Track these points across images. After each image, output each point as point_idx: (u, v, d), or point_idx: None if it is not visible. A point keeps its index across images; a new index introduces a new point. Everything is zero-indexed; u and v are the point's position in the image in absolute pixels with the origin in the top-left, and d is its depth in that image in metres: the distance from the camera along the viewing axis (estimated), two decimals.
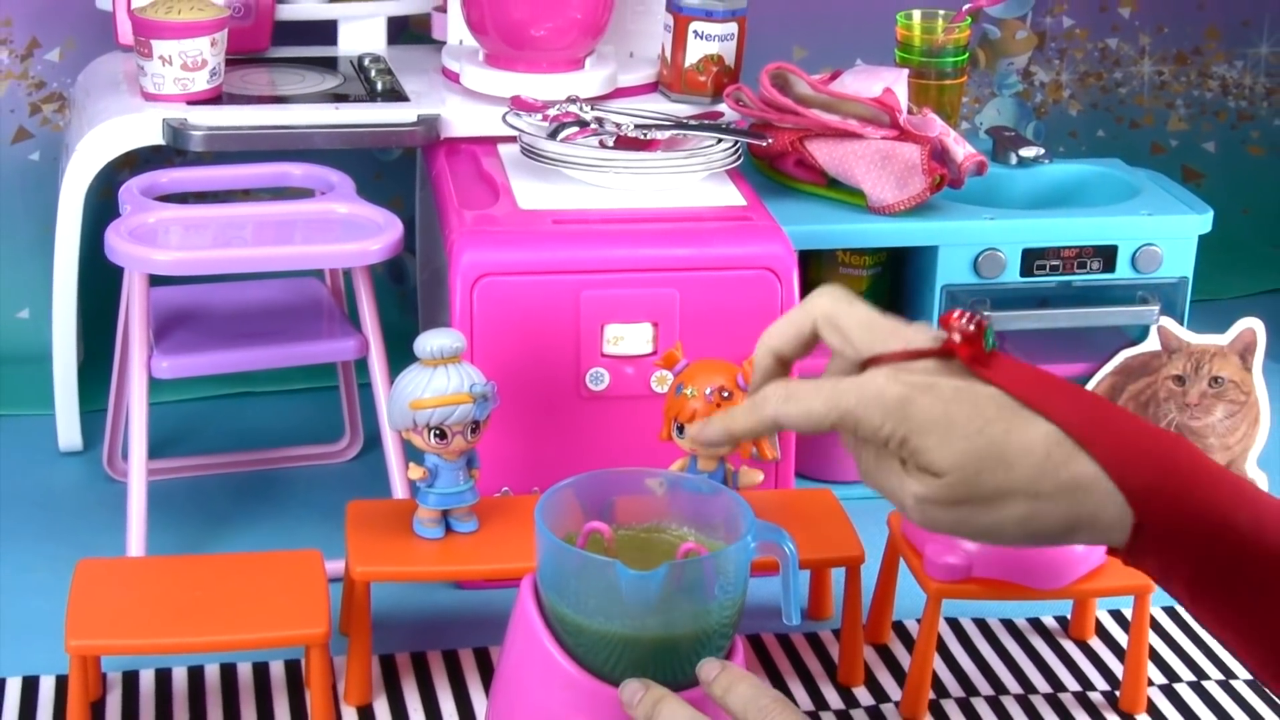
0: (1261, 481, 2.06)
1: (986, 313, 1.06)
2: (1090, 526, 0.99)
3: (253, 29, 2.16)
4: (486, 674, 1.67)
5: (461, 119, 2.04)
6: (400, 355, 1.71)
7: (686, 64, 2.09)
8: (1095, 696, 1.68)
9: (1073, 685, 1.69)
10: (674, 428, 1.66)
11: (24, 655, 1.68)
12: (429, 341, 1.61)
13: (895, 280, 2.09)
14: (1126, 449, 0.98)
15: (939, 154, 1.99)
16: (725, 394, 1.63)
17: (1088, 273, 2.01)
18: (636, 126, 1.95)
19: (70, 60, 2.29)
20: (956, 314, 1.05)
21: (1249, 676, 1.71)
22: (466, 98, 2.08)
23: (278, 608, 1.54)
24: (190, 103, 1.98)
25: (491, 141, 2.03)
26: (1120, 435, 0.99)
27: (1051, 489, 0.98)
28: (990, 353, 1.04)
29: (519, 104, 1.99)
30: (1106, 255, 2.01)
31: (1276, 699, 1.46)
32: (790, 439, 1.86)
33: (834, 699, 1.65)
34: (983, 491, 0.99)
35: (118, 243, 1.75)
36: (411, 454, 1.72)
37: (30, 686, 1.63)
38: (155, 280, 1.80)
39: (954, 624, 1.78)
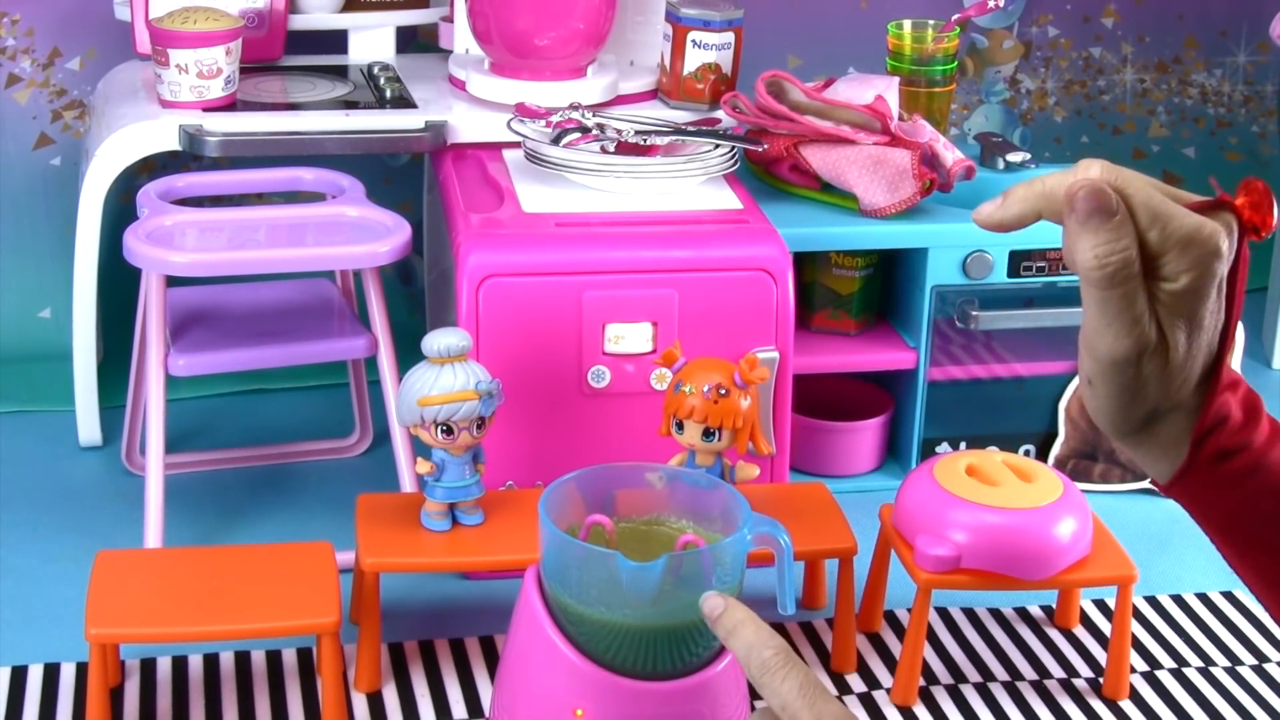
0: None
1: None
2: (1164, 447, 0.98)
3: (266, 38, 2.17)
4: (492, 662, 1.69)
5: (468, 125, 2.05)
6: (408, 354, 1.72)
7: (685, 72, 2.11)
8: (1080, 683, 1.70)
9: (1058, 672, 1.72)
10: (673, 424, 1.68)
11: (45, 643, 1.70)
12: (436, 340, 1.62)
13: (886, 281, 2.10)
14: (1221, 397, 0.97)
15: (929, 159, 2.01)
16: (723, 391, 1.65)
17: (1072, 274, 2.01)
18: (637, 132, 1.98)
19: (90, 69, 2.29)
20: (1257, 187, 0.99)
21: (1227, 664, 1.74)
22: (472, 105, 2.09)
23: (290, 598, 1.55)
24: (206, 109, 1.99)
25: (496, 147, 2.05)
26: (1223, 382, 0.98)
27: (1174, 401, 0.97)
28: (1256, 232, 0.99)
29: (523, 111, 2.00)
30: None
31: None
32: (785, 436, 1.88)
33: (827, 685, 1.65)
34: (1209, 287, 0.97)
35: (136, 245, 1.76)
36: (419, 449, 1.75)
37: (51, 673, 1.65)
38: (172, 281, 1.82)
39: (943, 613, 1.80)
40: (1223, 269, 0.96)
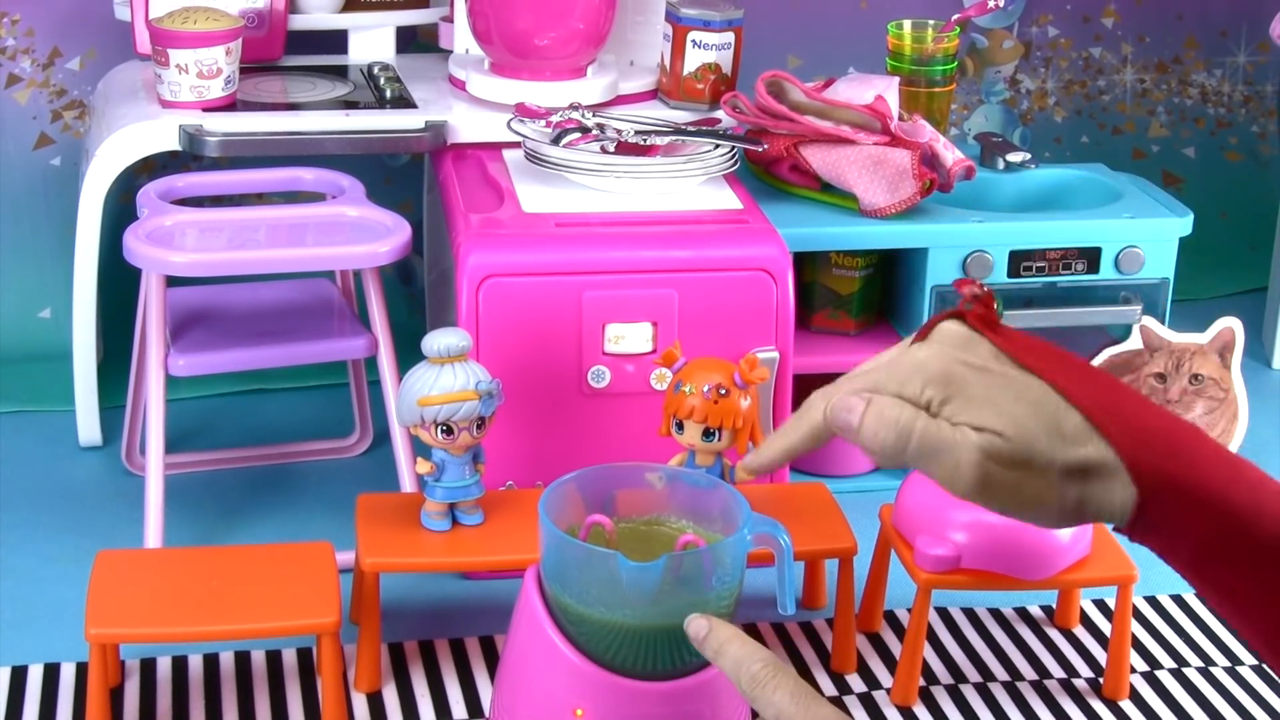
0: None
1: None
2: (1098, 507, 0.95)
3: (266, 39, 2.17)
4: (492, 662, 1.69)
5: (468, 125, 2.05)
6: (408, 354, 1.72)
7: (685, 72, 2.11)
8: (1079, 683, 1.70)
9: (1058, 672, 1.72)
10: (673, 424, 1.68)
11: (45, 643, 1.70)
12: (436, 340, 1.62)
13: (886, 281, 2.10)
14: (1137, 432, 0.95)
15: (929, 159, 2.01)
16: (722, 391, 1.65)
17: (1072, 274, 2.03)
18: (637, 132, 1.98)
19: (90, 69, 2.30)
20: (967, 282, 1.02)
21: (1227, 664, 1.74)
22: (472, 105, 2.09)
23: (290, 598, 1.55)
24: (206, 109, 1.99)
25: (496, 147, 2.05)
26: (1131, 418, 0.95)
27: (1068, 467, 0.94)
28: (999, 320, 1.01)
29: (523, 111, 2.01)
30: (1090, 257, 2.03)
31: (1276, 677, 1.42)
32: None
33: (827, 685, 1.67)
34: (1037, 455, 0.94)
35: (136, 245, 1.77)
36: (420, 449, 1.74)
37: (51, 673, 1.65)
38: (172, 281, 1.82)
39: (943, 613, 1.81)
40: (965, 354, 0.98)
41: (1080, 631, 1.79)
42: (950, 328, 1.00)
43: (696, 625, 1.17)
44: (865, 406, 0.98)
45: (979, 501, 0.96)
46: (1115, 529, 0.98)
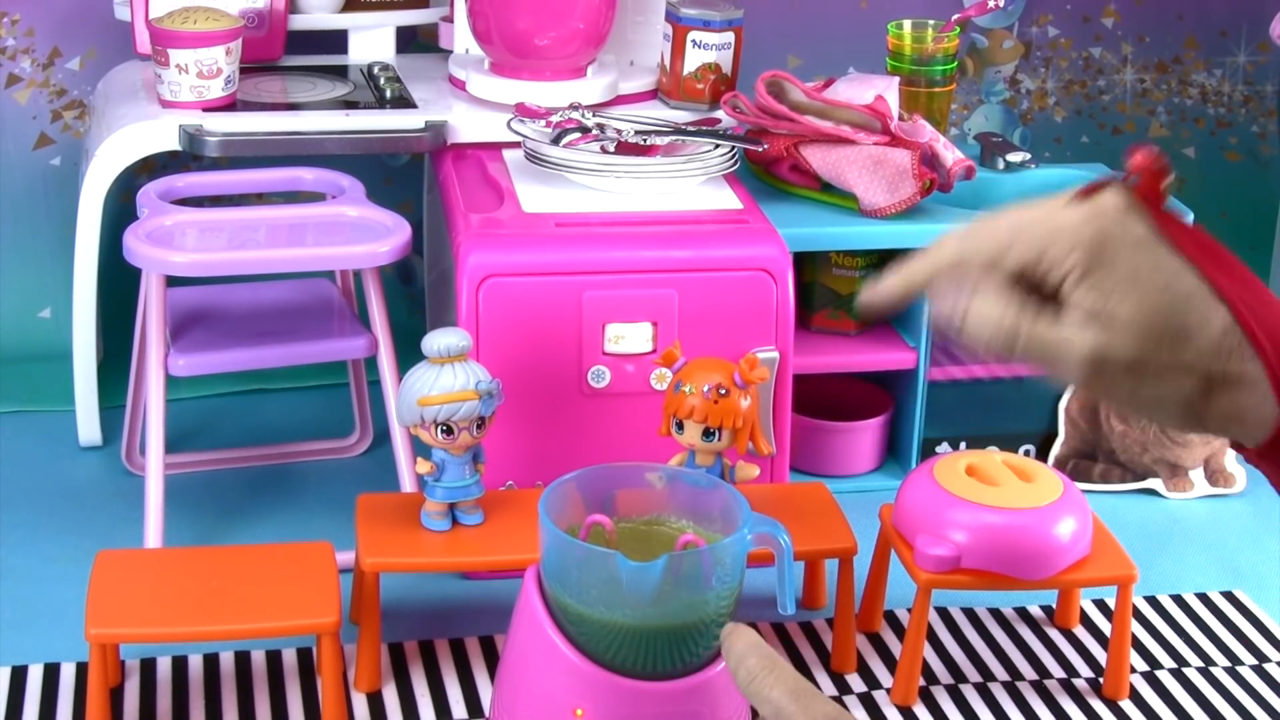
0: (1239, 477, 2.10)
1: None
2: (1240, 422, 0.92)
3: (266, 38, 2.17)
4: (492, 662, 1.69)
5: (468, 125, 2.05)
6: (408, 354, 1.72)
7: (685, 72, 2.11)
8: (1080, 683, 1.70)
9: (1058, 672, 1.72)
10: (673, 424, 1.68)
11: (45, 643, 1.70)
12: (436, 340, 1.63)
13: None
14: None
15: (929, 159, 2.01)
16: (723, 391, 1.65)
17: None
18: (637, 132, 1.98)
19: (90, 69, 2.29)
20: (1139, 149, 0.96)
21: (1227, 664, 1.74)
22: (472, 105, 2.10)
23: (290, 598, 1.55)
24: (206, 109, 1.99)
25: (496, 147, 2.05)
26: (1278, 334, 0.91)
27: (1221, 376, 0.91)
28: (1169, 199, 0.96)
29: (523, 111, 2.01)
30: None
31: None
32: (785, 436, 1.88)
33: (827, 685, 1.68)
34: (1160, 356, 0.91)
35: (136, 245, 1.77)
36: (420, 449, 1.75)
37: (51, 673, 1.65)
38: (172, 281, 1.82)
39: (943, 613, 1.81)
40: (1122, 228, 0.93)
41: (1080, 631, 1.79)
42: (1110, 197, 0.95)
43: (726, 627, 1.15)
44: (968, 305, 0.96)
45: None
46: (1241, 448, 0.95)
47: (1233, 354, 0.91)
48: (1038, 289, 0.95)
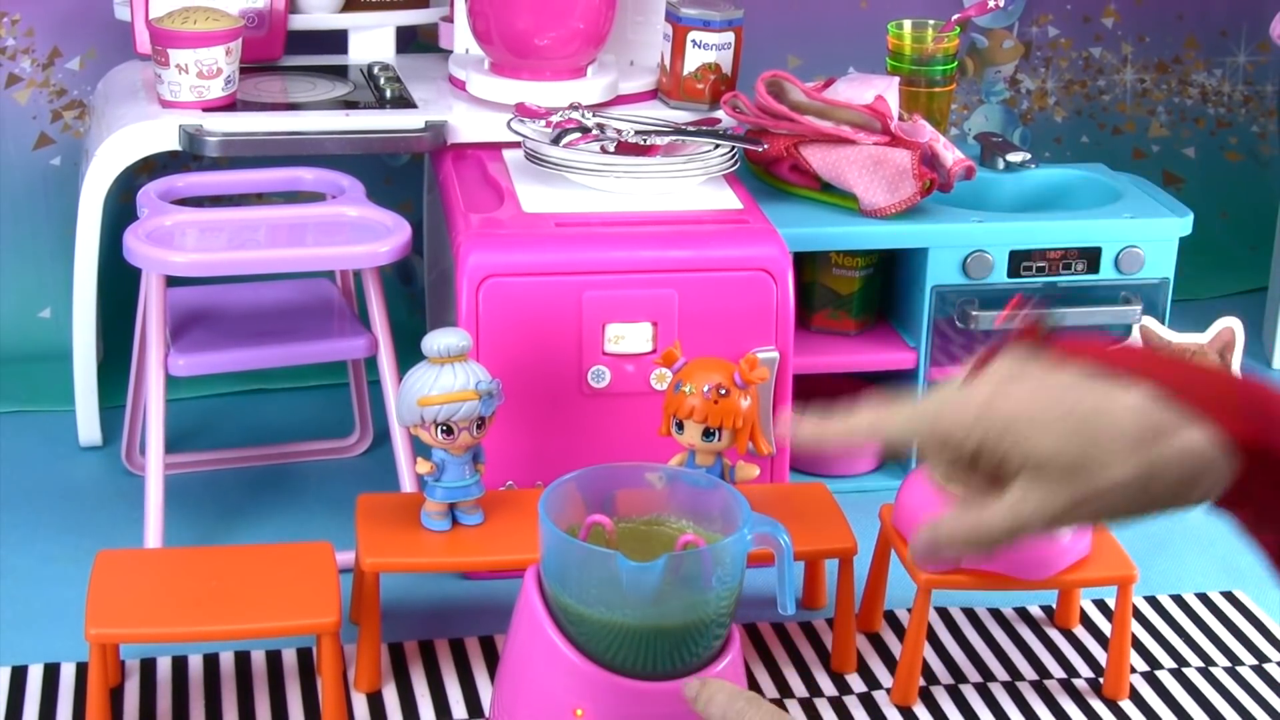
0: None
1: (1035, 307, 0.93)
2: (1201, 484, 0.90)
3: (266, 38, 2.17)
4: (492, 662, 1.69)
5: (468, 125, 2.06)
6: (408, 354, 1.72)
7: (685, 72, 2.11)
8: (1080, 683, 1.70)
9: (1058, 672, 1.72)
10: (673, 424, 1.68)
11: (45, 643, 1.70)
12: (436, 340, 1.63)
13: (886, 281, 2.10)
14: (1224, 400, 0.90)
15: (929, 159, 2.01)
16: (722, 391, 1.65)
17: (1072, 274, 2.03)
18: (637, 132, 1.98)
19: (90, 69, 2.30)
20: (1013, 304, 0.97)
21: (1227, 664, 1.74)
22: (472, 105, 2.10)
23: (290, 598, 1.55)
24: (206, 109, 1.99)
25: (496, 147, 2.05)
26: (1213, 387, 0.91)
27: (1160, 456, 0.90)
28: (1055, 335, 0.95)
29: (523, 111, 2.01)
30: (1090, 257, 2.03)
31: None
32: (785, 436, 1.88)
33: (827, 685, 1.68)
34: (1095, 476, 0.90)
35: (136, 245, 1.77)
36: (420, 449, 1.74)
37: (51, 673, 1.65)
38: (172, 281, 1.82)
39: (943, 613, 1.81)
40: (1012, 381, 0.94)
41: (1080, 631, 1.79)
42: (998, 361, 0.96)
43: (689, 689, 1.21)
44: (923, 538, 0.99)
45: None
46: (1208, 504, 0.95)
47: (1166, 431, 0.90)
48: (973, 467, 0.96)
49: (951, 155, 2.02)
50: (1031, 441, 0.91)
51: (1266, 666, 1.75)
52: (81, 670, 1.64)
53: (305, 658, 1.69)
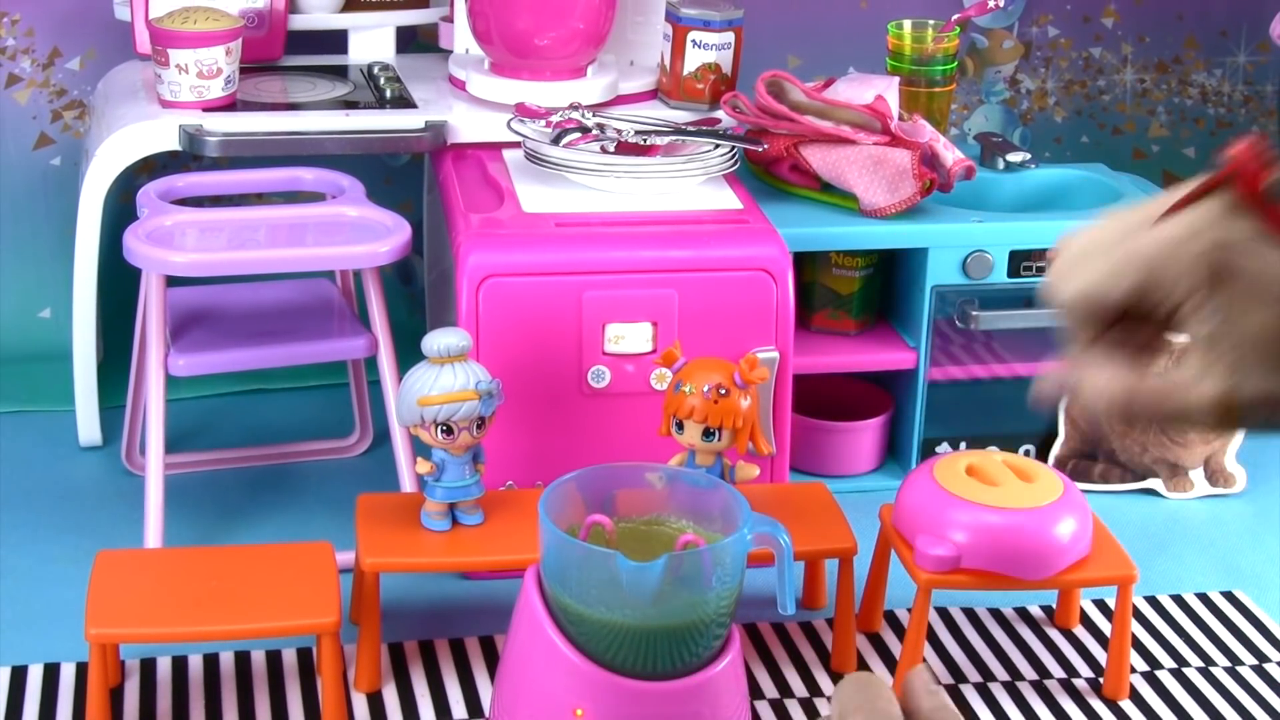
0: (1239, 477, 2.10)
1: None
2: None
3: (266, 38, 2.17)
4: (492, 662, 1.69)
5: (468, 125, 2.06)
6: (408, 354, 1.73)
7: (685, 72, 2.11)
8: (1080, 683, 1.70)
9: (1058, 672, 1.72)
10: (673, 424, 1.68)
11: (45, 643, 1.70)
12: (436, 340, 1.63)
13: (886, 281, 2.10)
14: None
15: (929, 159, 2.01)
16: (723, 391, 1.65)
17: None
18: (637, 132, 1.98)
19: (90, 69, 2.30)
20: (1240, 147, 0.84)
21: (1227, 664, 1.74)
22: (472, 105, 2.10)
23: (290, 598, 1.55)
24: (206, 109, 1.99)
25: (496, 147, 2.05)
26: None
27: None
28: (1270, 196, 0.86)
29: (523, 111, 2.01)
30: None
31: None
32: (785, 436, 1.88)
33: (828, 685, 1.67)
34: None
35: (136, 245, 1.77)
36: (419, 449, 1.75)
37: (51, 673, 1.65)
38: (172, 281, 1.82)
39: (943, 613, 1.81)
40: (1228, 238, 0.85)
41: (1080, 631, 1.80)
42: (1211, 206, 0.87)
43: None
44: (1076, 377, 0.90)
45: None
46: None
47: None
48: (1151, 320, 0.89)
49: (951, 155, 2.02)
50: (1239, 309, 0.84)
51: (1266, 666, 1.75)
52: (81, 670, 1.64)
53: (305, 658, 1.69)
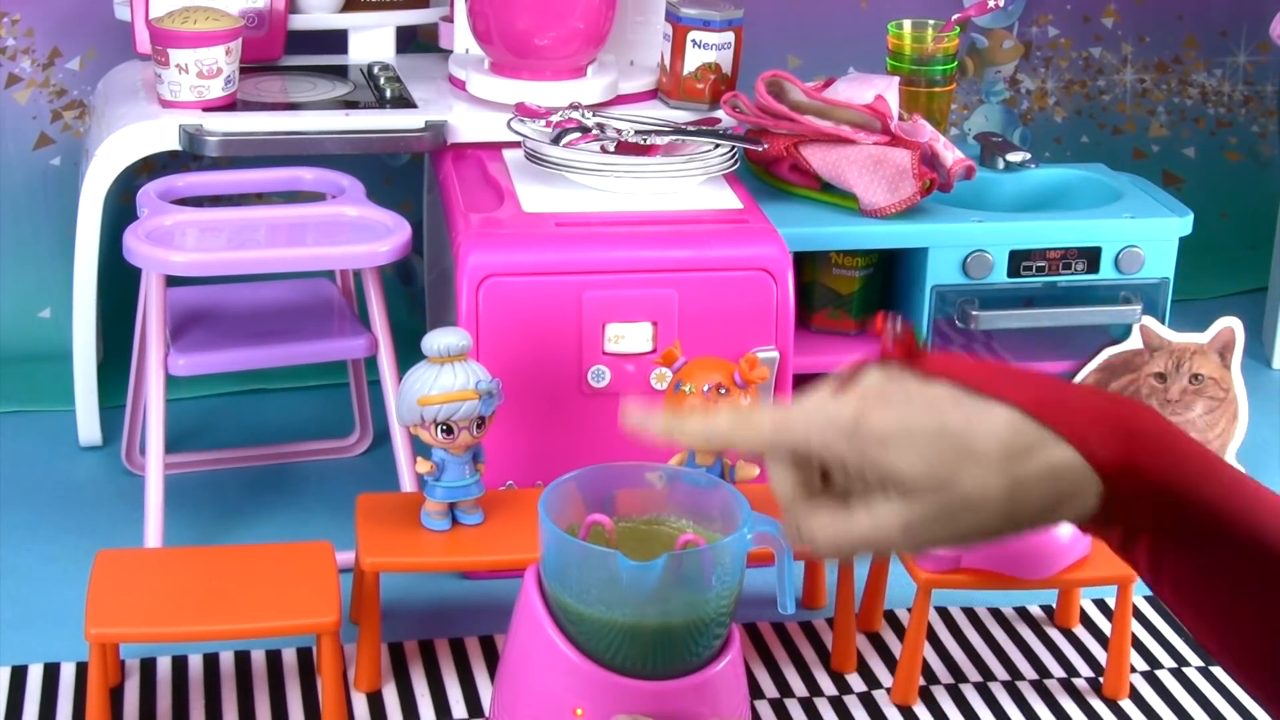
0: None
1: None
2: (1068, 505, 0.90)
3: (266, 38, 2.17)
4: (492, 661, 1.69)
5: (468, 125, 2.06)
6: (408, 353, 1.73)
7: (685, 72, 2.11)
8: (1080, 683, 1.70)
9: (1058, 672, 1.72)
10: None
11: (45, 643, 1.70)
12: (436, 340, 1.63)
13: (886, 281, 2.10)
14: (1092, 421, 0.89)
15: (929, 159, 2.01)
16: (722, 390, 1.65)
17: (1072, 273, 2.03)
18: (637, 132, 1.98)
19: (90, 69, 2.30)
20: (882, 319, 0.94)
21: None
22: (472, 105, 2.10)
23: (290, 597, 1.55)
24: (206, 109, 1.99)
25: (496, 147, 2.05)
26: (1082, 408, 0.90)
27: (1025, 474, 0.88)
28: (926, 351, 0.93)
29: (523, 110, 2.01)
30: (1090, 256, 2.03)
31: (1236, 684, 1.39)
32: None
33: (827, 685, 1.68)
34: (961, 492, 0.89)
35: (136, 245, 1.77)
36: (419, 449, 1.74)
37: (51, 673, 1.65)
38: (172, 281, 1.82)
39: (943, 613, 1.81)
40: (881, 393, 0.91)
41: (1080, 631, 1.79)
42: (869, 373, 0.93)
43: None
44: (797, 533, 0.93)
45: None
46: (1080, 524, 0.93)
47: (1031, 449, 0.89)
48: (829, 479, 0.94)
49: (951, 155, 2.02)
50: (899, 456, 0.89)
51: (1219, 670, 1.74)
52: (81, 670, 1.64)
53: (305, 658, 1.69)
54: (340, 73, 2.20)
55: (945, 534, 0.90)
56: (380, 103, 2.07)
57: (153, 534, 1.80)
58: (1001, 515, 0.90)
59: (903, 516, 0.90)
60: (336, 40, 2.26)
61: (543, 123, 1.98)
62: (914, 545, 0.91)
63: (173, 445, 1.97)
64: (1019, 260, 2.01)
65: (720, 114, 2.10)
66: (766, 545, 1.36)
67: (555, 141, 1.94)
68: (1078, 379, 2.05)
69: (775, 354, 1.84)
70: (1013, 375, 0.92)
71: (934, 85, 2.19)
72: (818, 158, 2.02)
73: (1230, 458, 2.08)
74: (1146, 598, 1.85)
